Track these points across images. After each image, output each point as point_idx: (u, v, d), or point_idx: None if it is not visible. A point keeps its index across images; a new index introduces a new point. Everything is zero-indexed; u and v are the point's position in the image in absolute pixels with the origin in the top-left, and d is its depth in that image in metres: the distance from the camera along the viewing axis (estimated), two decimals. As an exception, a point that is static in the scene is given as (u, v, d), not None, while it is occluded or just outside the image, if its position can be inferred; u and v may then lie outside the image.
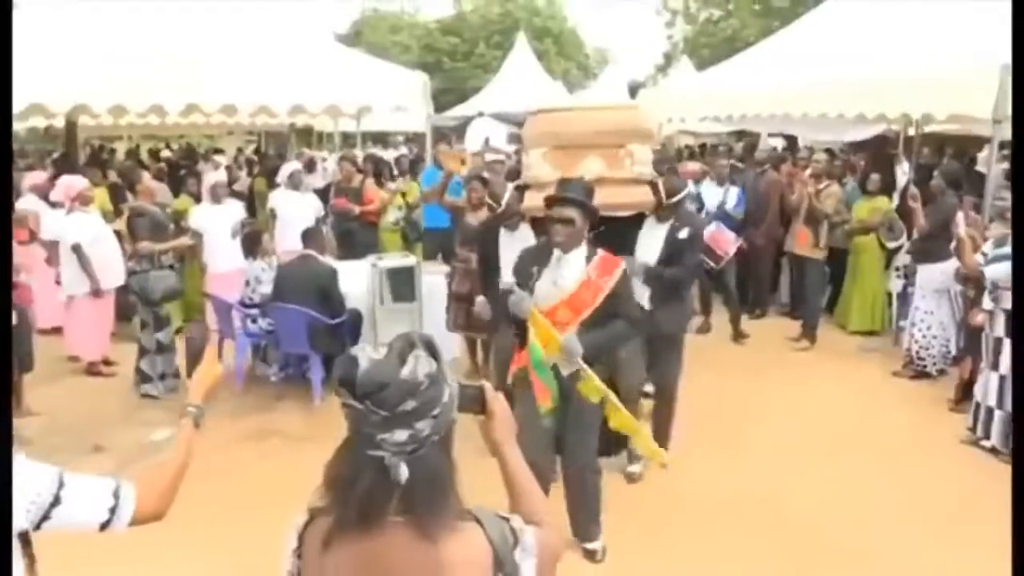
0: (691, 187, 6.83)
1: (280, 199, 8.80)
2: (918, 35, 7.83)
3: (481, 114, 20.58)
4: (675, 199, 4.93)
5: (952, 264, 6.44)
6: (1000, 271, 5.16)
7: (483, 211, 6.32)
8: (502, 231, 5.27)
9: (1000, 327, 5.30)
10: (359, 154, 12.38)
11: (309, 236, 6.78)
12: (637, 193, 4.68)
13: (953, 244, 6.15)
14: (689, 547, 4.36)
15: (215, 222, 8.07)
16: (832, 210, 8.11)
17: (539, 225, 4.68)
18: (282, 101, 8.56)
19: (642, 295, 4.79)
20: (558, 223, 3.75)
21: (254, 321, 6.77)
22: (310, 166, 10.82)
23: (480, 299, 5.77)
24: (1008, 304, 5.18)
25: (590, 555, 4.19)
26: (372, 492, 1.39)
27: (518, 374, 3.96)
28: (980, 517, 4.61)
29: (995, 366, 5.36)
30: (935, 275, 6.65)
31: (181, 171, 11.69)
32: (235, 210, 8.35)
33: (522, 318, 3.70)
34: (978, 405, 5.57)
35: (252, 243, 6.96)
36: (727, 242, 7.75)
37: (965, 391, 6.02)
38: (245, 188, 11.92)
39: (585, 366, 3.66)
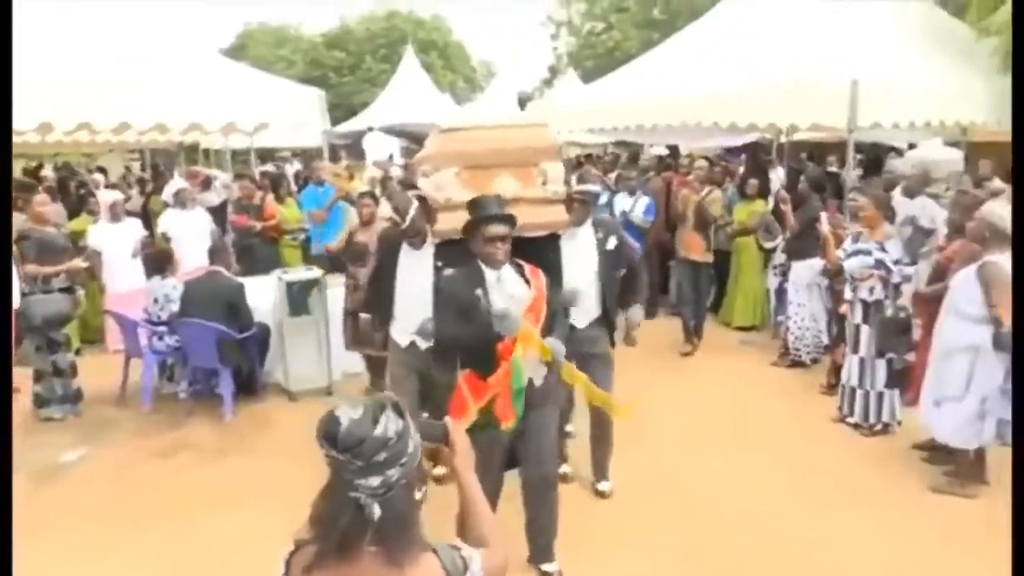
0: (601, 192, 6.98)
1: (169, 219, 8.75)
2: (783, 51, 8.52)
3: (371, 129, 20.67)
4: (586, 187, 4.90)
5: (820, 260, 7.05)
6: (855, 264, 5.76)
7: (372, 228, 6.38)
8: (404, 248, 4.92)
9: (858, 315, 5.89)
10: (256, 170, 12.36)
11: (215, 253, 6.86)
12: (552, 212, 4.58)
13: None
14: (613, 536, 4.63)
15: (114, 241, 8.03)
16: (717, 214, 8.41)
17: (443, 247, 4.55)
18: (179, 119, 8.54)
19: (581, 313, 4.75)
20: (496, 241, 3.71)
21: (160, 338, 6.79)
22: (206, 184, 10.75)
23: (364, 317, 5.48)
24: (864, 295, 5.80)
25: None
26: (350, 527, 1.67)
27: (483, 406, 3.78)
28: (848, 483, 5.20)
29: (855, 350, 5.96)
30: (805, 271, 7.25)
31: (71, 190, 11.42)
32: (134, 229, 8.31)
33: (510, 336, 3.64)
34: (843, 386, 6.16)
35: (163, 261, 6.95)
36: (633, 250, 8.13)
37: (837, 375, 6.60)
38: (137, 207, 11.72)
39: (566, 362, 3.92)
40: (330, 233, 8.46)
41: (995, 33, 9.37)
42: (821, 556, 4.32)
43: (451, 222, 4.20)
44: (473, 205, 3.90)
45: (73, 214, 9.67)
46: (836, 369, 6.66)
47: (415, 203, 4.65)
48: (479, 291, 3.71)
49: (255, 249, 9.01)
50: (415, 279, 4.75)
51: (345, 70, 37.54)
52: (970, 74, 8.86)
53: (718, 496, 5.06)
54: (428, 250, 4.74)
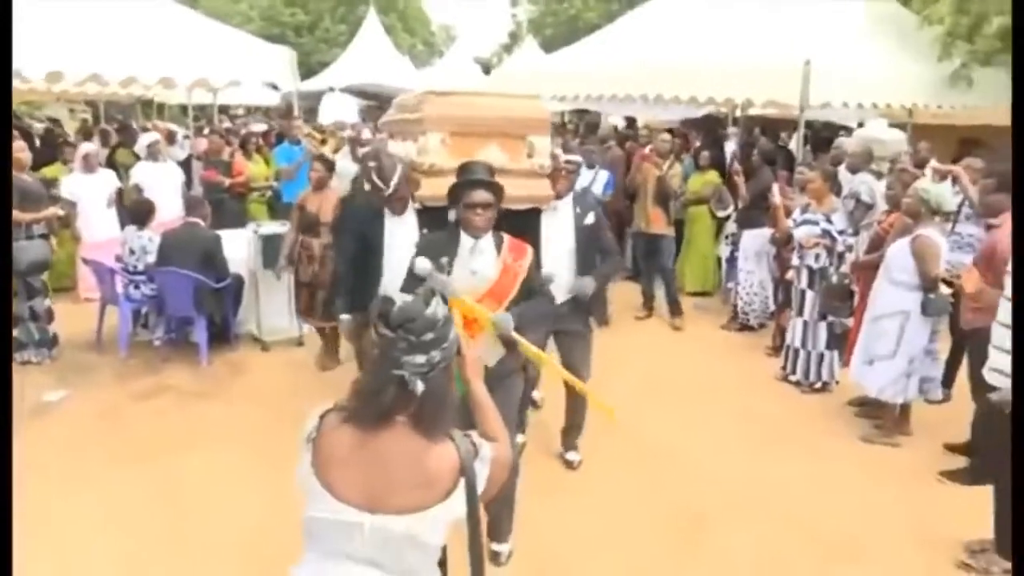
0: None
1: (141, 171, 8.86)
2: (742, 28, 8.93)
3: (332, 89, 20.63)
4: (572, 157, 4.95)
5: (768, 230, 7.51)
6: (803, 233, 6.23)
7: (323, 194, 6.50)
8: (388, 217, 4.77)
9: (804, 281, 6.35)
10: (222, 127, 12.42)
11: (192, 205, 7.07)
12: (537, 186, 4.55)
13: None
14: (574, 478, 5.04)
15: (89, 191, 8.16)
16: (677, 187, 8.64)
17: (426, 213, 4.54)
18: (150, 73, 8.64)
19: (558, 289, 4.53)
20: (479, 207, 3.57)
21: (136, 287, 6.98)
22: (170, 138, 10.83)
23: (345, 318, 4.96)
24: (810, 262, 6.27)
25: (495, 557, 3.96)
26: (394, 400, 1.88)
27: None
28: (788, 434, 5.70)
29: (800, 313, 6.43)
30: (755, 240, 7.71)
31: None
32: (109, 180, 8.45)
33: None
34: (787, 347, 6.63)
35: (144, 213, 7.10)
36: (607, 228, 8.33)
37: (782, 338, 7.07)
38: (101, 159, 11.72)
39: (519, 337, 3.46)
40: (298, 189, 8.63)
41: (937, 21, 9.89)
42: (763, 496, 4.76)
43: (434, 188, 4.12)
44: (462, 169, 3.84)
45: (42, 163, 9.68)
46: (781, 332, 7.13)
47: (399, 168, 4.56)
48: (445, 258, 3.57)
49: (224, 203, 9.16)
50: (400, 248, 4.43)
51: (303, 29, 37.07)
52: (913, 60, 9.37)
53: (671, 444, 5.48)
54: (410, 218, 4.70)
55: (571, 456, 5.16)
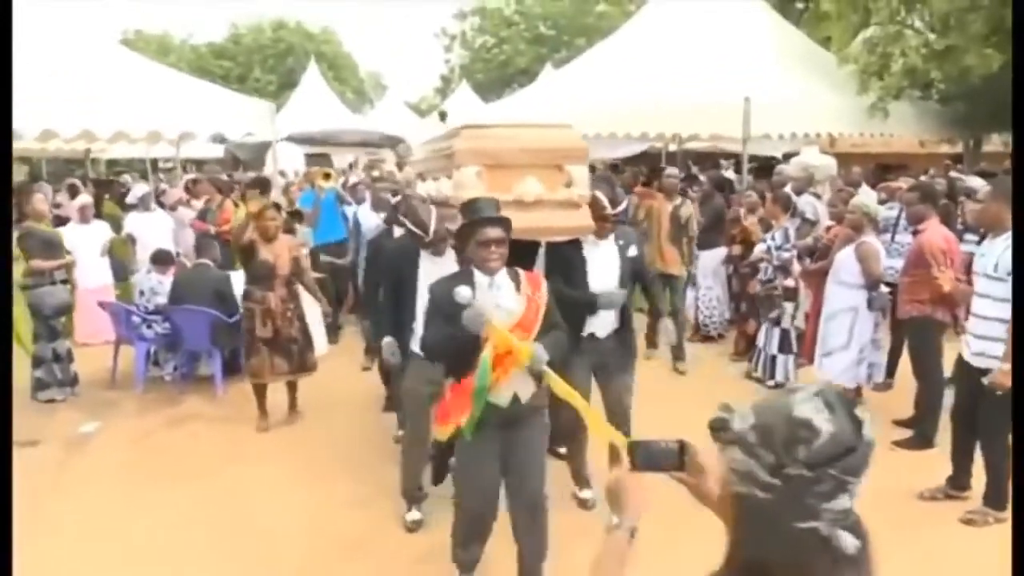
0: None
1: (135, 222, 9.35)
2: (685, 70, 9.96)
3: (277, 140, 21.04)
4: (619, 209, 4.78)
5: (723, 251, 8.42)
6: (757, 250, 7.20)
7: (279, 242, 6.34)
8: (423, 257, 4.60)
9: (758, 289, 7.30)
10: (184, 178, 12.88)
11: (202, 248, 7.63)
12: (577, 216, 4.40)
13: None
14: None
15: (85, 241, 8.59)
16: (693, 226, 8.30)
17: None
18: (139, 128, 9.16)
19: (604, 323, 4.67)
20: (492, 244, 3.52)
21: (149, 327, 7.46)
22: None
23: (388, 340, 4.86)
24: (761, 275, 7.17)
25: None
26: (816, 569, 1.29)
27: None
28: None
29: (776, 323, 7.21)
30: (711, 259, 8.62)
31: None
32: (102, 230, 8.90)
33: (477, 333, 3.41)
34: (759, 352, 7.38)
35: (165, 260, 7.67)
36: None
37: (746, 344, 7.91)
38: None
39: (550, 371, 3.42)
40: (322, 232, 9.07)
41: (852, 60, 11.14)
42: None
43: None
44: (466, 208, 3.73)
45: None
46: (745, 339, 7.99)
47: (433, 211, 4.48)
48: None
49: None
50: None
51: (233, 79, 37.47)
52: (834, 94, 10.55)
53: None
54: (449, 255, 4.56)
55: (585, 494, 5.02)
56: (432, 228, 4.49)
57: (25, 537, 4.62)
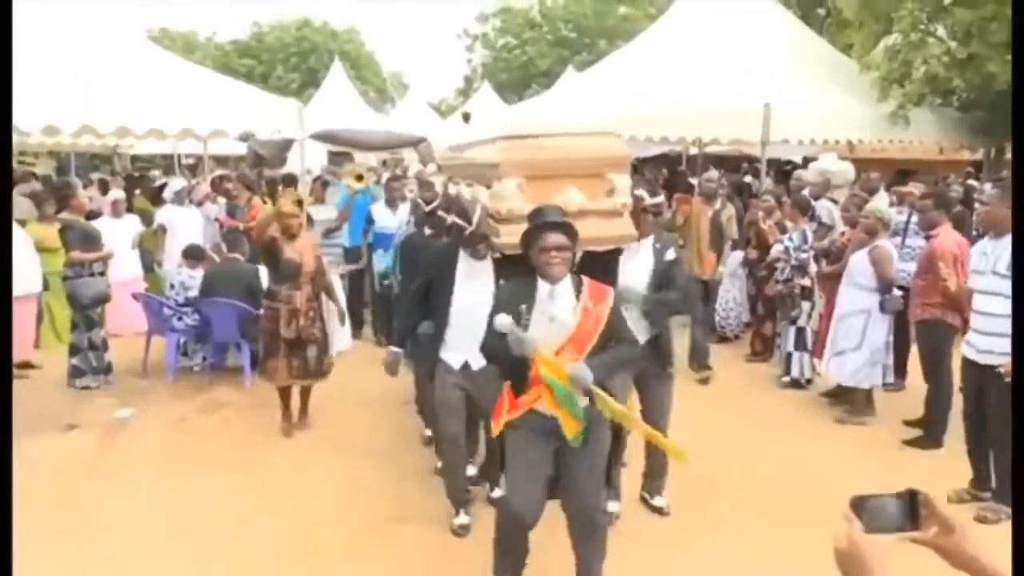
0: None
1: (168, 215, 9.62)
2: (706, 74, 10.13)
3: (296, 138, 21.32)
4: (658, 200, 4.80)
5: (740, 253, 8.58)
6: (774, 250, 7.34)
7: (302, 240, 6.32)
8: (463, 258, 4.51)
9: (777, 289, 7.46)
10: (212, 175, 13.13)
11: (233, 242, 7.86)
12: (620, 226, 4.28)
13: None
14: None
15: (117, 235, 8.85)
16: (733, 230, 8.28)
17: (504, 263, 4.28)
18: (173, 124, 9.42)
19: (637, 329, 4.38)
20: (554, 251, 3.52)
21: (180, 319, 7.72)
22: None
23: (393, 350, 4.93)
24: (778, 276, 7.33)
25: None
26: None
27: (515, 418, 3.69)
28: (775, 419, 6.70)
29: (793, 322, 7.38)
30: (730, 262, 8.76)
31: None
32: (133, 224, 9.18)
33: (524, 357, 3.43)
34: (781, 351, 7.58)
35: (197, 255, 7.97)
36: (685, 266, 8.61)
37: (762, 345, 8.07)
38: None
39: (599, 390, 3.43)
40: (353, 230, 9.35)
41: (874, 67, 11.25)
42: (755, 468, 5.70)
43: (512, 235, 3.87)
44: (534, 214, 3.72)
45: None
46: (761, 339, 8.14)
47: (479, 206, 4.33)
48: (524, 307, 3.53)
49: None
50: (474, 295, 4.33)
51: (256, 78, 37.82)
52: (854, 100, 10.68)
53: (672, 432, 6.39)
54: (487, 265, 4.46)
55: (658, 502, 5.09)
56: (475, 219, 4.32)
57: (66, 517, 4.89)
